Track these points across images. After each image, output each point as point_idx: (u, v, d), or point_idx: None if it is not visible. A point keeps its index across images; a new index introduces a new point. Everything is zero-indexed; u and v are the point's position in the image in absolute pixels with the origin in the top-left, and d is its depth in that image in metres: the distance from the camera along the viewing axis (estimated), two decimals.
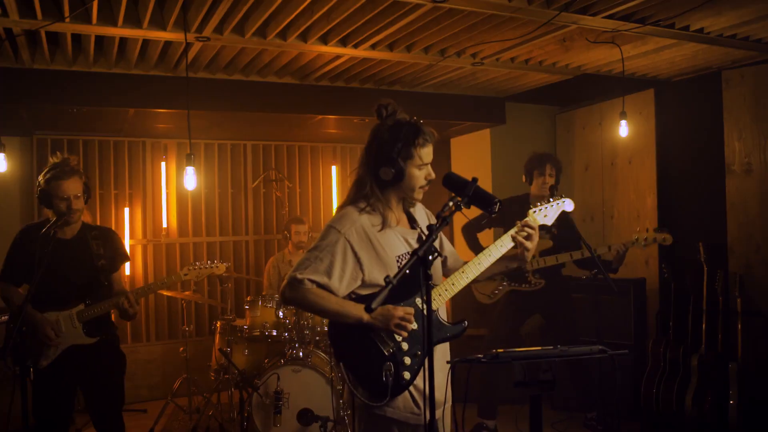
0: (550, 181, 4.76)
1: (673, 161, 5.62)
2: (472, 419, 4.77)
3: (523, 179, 4.89)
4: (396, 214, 2.45)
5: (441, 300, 2.41)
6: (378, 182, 2.38)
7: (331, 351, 2.60)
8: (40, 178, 3.44)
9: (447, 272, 2.61)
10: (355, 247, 2.32)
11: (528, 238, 2.47)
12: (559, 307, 4.84)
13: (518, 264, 2.58)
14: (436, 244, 2.50)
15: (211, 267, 3.85)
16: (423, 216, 2.60)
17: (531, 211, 2.65)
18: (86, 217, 3.74)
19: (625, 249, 4.46)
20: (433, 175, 2.42)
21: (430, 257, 2.08)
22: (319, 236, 2.40)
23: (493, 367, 2.03)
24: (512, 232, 2.50)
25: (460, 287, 2.43)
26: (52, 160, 3.49)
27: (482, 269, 2.46)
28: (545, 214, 2.69)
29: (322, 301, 2.31)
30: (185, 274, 3.80)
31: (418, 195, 2.44)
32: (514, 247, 2.50)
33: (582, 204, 6.33)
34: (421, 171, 2.38)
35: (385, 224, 2.38)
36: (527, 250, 2.48)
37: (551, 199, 2.73)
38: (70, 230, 3.52)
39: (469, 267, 2.45)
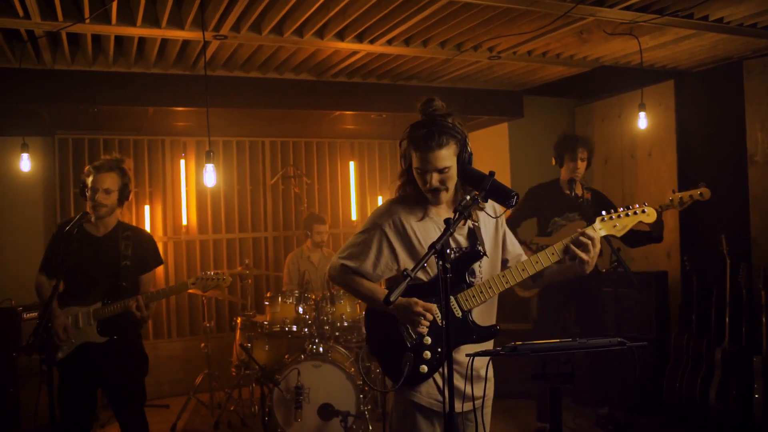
0: (582, 165, 4.49)
1: (694, 153, 5.54)
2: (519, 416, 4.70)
3: (553, 162, 4.67)
4: (439, 206, 2.38)
5: (475, 301, 2.31)
6: (411, 174, 2.37)
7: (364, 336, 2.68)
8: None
9: None
10: (391, 238, 2.37)
11: (585, 249, 2.22)
12: (591, 297, 4.68)
13: (576, 275, 2.32)
14: (501, 243, 2.49)
15: (218, 281, 3.77)
16: (484, 216, 2.43)
17: (598, 219, 2.29)
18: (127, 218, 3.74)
19: (660, 211, 4.03)
20: (433, 184, 2.25)
21: (481, 255, 2.20)
22: (364, 222, 2.50)
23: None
24: (566, 241, 2.26)
25: (497, 291, 2.32)
26: (104, 156, 3.57)
27: (525, 276, 2.29)
28: (615, 224, 2.29)
29: (356, 284, 2.45)
30: (193, 283, 3.74)
31: (430, 198, 2.32)
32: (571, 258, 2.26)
33: None
34: (419, 175, 2.29)
35: (425, 215, 2.38)
36: (584, 262, 2.23)
37: (630, 206, 2.29)
38: (104, 227, 3.54)
39: (510, 272, 2.30)
